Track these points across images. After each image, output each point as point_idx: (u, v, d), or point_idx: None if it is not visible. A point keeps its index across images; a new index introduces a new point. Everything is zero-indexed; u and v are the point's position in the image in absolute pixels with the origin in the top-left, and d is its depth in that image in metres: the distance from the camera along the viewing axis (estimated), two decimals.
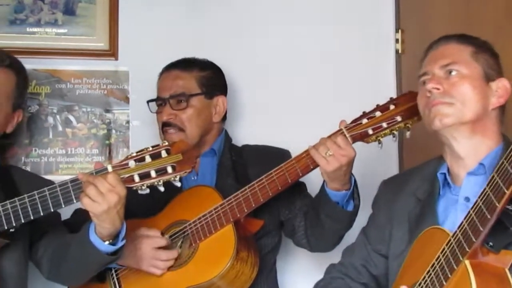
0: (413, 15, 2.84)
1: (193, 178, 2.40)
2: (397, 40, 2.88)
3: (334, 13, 2.89)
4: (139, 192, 1.92)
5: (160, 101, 2.44)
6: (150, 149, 1.93)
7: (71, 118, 2.78)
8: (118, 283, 2.23)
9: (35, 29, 2.77)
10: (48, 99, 2.76)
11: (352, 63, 2.86)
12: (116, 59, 2.79)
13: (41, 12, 2.77)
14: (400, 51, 2.87)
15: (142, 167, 1.91)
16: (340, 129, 2.10)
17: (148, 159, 1.91)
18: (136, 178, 1.91)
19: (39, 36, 2.77)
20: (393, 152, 2.81)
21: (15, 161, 2.70)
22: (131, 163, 1.91)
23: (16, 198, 1.94)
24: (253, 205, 2.15)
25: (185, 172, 1.91)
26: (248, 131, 2.77)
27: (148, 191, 1.92)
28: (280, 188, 2.14)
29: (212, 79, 2.46)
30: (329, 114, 2.72)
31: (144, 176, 1.91)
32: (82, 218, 2.32)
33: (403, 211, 1.94)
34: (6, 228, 1.95)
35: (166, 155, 1.91)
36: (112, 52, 2.78)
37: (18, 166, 2.63)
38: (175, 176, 1.91)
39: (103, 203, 1.87)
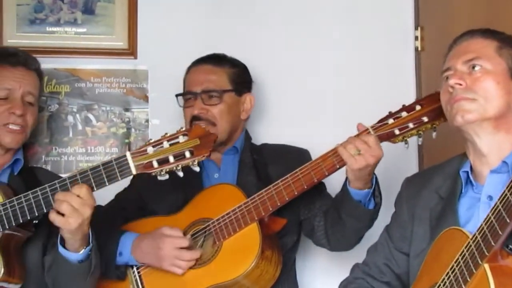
0: (433, 12, 2.82)
1: (215, 176, 2.40)
2: (416, 38, 2.87)
3: (354, 11, 2.88)
4: (159, 178, 1.95)
5: (189, 95, 2.43)
6: (168, 135, 1.96)
7: (91, 117, 2.79)
8: (140, 281, 2.23)
9: (54, 29, 2.78)
10: (68, 98, 2.77)
11: (372, 61, 2.85)
12: (135, 58, 2.80)
13: (61, 12, 2.78)
14: (419, 49, 2.86)
15: (161, 153, 1.93)
16: (367, 129, 2.09)
17: (166, 144, 1.94)
18: (155, 164, 1.93)
19: (59, 36, 2.78)
20: (413, 151, 2.80)
21: (35, 160, 2.72)
22: (150, 149, 1.94)
23: (38, 188, 1.97)
24: (278, 204, 2.15)
25: (203, 156, 1.93)
26: (266, 130, 2.77)
27: (167, 176, 1.95)
28: (306, 187, 2.14)
29: (241, 76, 2.47)
30: (348, 112, 2.77)
31: (163, 161, 1.93)
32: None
33: (425, 208, 1.93)
34: (29, 218, 1.98)
35: (183, 140, 1.94)
36: (131, 51, 2.79)
37: (39, 165, 2.66)
38: (193, 161, 1.93)
39: (78, 218, 1.92)
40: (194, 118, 2.37)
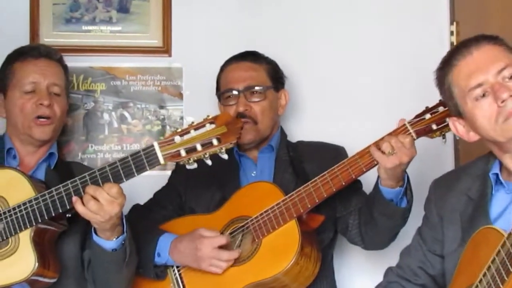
0: (468, 7, 2.79)
1: (253, 174, 2.40)
2: (452, 33, 2.83)
3: (390, 7, 2.86)
4: (187, 167, 1.95)
5: (229, 93, 2.41)
6: (195, 123, 1.96)
7: (126, 114, 2.81)
8: (181, 279, 2.25)
9: (90, 27, 2.81)
10: (104, 96, 2.80)
11: (408, 56, 2.83)
12: (170, 55, 2.81)
13: (96, 10, 2.81)
14: (455, 44, 2.82)
15: (188, 142, 1.93)
16: (404, 124, 2.09)
17: (193, 133, 1.94)
18: (183, 153, 1.93)
19: (94, 34, 2.81)
20: (449, 146, 2.78)
21: (72, 157, 2.75)
22: (177, 139, 1.94)
23: (68, 182, 2.00)
24: (316, 201, 2.15)
25: (231, 143, 1.93)
26: (299, 127, 2.76)
27: (195, 165, 1.95)
28: (343, 183, 2.14)
29: (277, 72, 2.48)
30: (383, 108, 2.76)
31: (190, 150, 1.93)
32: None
33: (454, 211, 1.92)
34: (60, 211, 2.00)
35: (210, 128, 1.93)
36: (165, 49, 2.81)
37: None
38: (221, 148, 1.93)
39: (105, 215, 1.95)
40: (239, 116, 2.34)
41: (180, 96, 2.82)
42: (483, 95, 1.78)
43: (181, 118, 2.81)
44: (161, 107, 2.82)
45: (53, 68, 2.30)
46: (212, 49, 2.80)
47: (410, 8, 2.86)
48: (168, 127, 2.81)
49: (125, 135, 2.80)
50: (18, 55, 2.30)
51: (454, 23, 2.84)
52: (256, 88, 2.38)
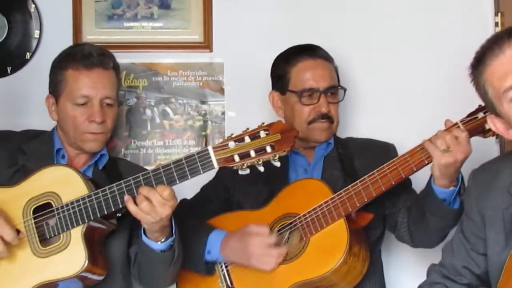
0: None
1: (304, 170, 2.39)
2: (496, 24, 2.78)
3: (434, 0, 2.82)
4: (240, 172, 1.98)
5: (310, 92, 2.34)
6: (249, 130, 1.97)
7: (168, 110, 2.82)
8: (228, 275, 2.26)
9: (132, 24, 2.82)
10: (146, 92, 2.81)
11: (452, 48, 2.77)
12: (211, 51, 2.81)
13: (138, 7, 2.81)
14: None
15: (242, 147, 1.96)
16: (456, 123, 2.05)
17: (247, 139, 1.96)
18: (236, 158, 1.96)
19: (136, 31, 2.82)
20: (493, 144, 2.74)
21: (115, 153, 2.76)
22: (231, 144, 1.97)
23: (122, 181, 2.03)
24: (365, 200, 2.14)
25: (284, 151, 1.94)
26: (350, 123, 2.74)
27: (248, 171, 1.97)
28: (393, 182, 2.12)
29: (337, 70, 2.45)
30: (433, 105, 2.72)
31: (244, 156, 1.96)
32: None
33: (496, 209, 1.87)
34: (113, 210, 2.03)
35: (265, 135, 1.95)
36: (206, 44, 2.81)
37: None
38: (274, 156, 1.95)
39: (156, 216, 1.98)
40: (323, 117, 2.32)
41: (222, 91, 2.82)
42: None
43: (223, 113, 2.82)
44: (203, 103, 2.82)
45: (106, 79, 2.27)
46: (253, 44, 2.79)
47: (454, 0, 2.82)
48: (209, 123, 2.82)
49: (167, 130, 2.82)
50: (71, 60, 2.26)
51: (499, 14, 2.79)
52: (336, 88, 2.37)
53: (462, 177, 2.11)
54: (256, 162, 1.95)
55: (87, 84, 2.24)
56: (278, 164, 1.97)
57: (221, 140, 2.04)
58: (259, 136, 1.96)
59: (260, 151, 1.95)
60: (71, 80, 2.25)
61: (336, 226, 2.13)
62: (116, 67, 2.34)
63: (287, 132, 1.96)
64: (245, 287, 2.22)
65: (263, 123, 1.98)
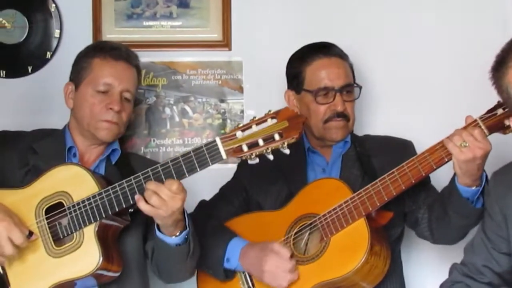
0: None
1: (322, 170, 2.38)
2: None
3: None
4: (249, 162, 1.96)
5: (326, 91, 2.33)
6: (256, 118, 1.96)
7: (187, 108, 2.83)
8: (250, 277, 2.26)
9: (151, 23, 2.83)
10: (165, 90, 2.82)
11: (470, 45, 2.76)
12: (230, 49, 2.81)
13: (157, 6, 2.82)
14: None
15: (250, 137, 1.94)
16: (475, 120, 2.05)
17: (255, 128, 1.94)
18: (245, 148, 1.94)
19: (155, 30, 2.82)
20: None
21: (135, 152, 2.77)
22: (239, 134, 1.95)
23: (131, 177, 2.03)
24: (385, 199, 2.13)
25: (293, 138, 1.92)
26: (367, 120, 2.73)
27: (257, 160, 1.96)
28: (413, 181, 2.11)
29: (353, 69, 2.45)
30: (448, 101, 2.70)
31: (252, 145, 1.94)
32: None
33: None
34: (124, 206, 2.04)
35: (272, 123, 1.93)
36: (225, 42, 2.81)
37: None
38: (283, 143, 1.93)
39: (167, 210, 1.97)
40: (339, 115, 2.31)
41: (241, 89, 2.83)
42: None
43: (242, 111, 2.82)
44: (222, 101, 2.83)
45: (130, 73, 2.31)
46: (272, 42, 2.79)
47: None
48: (228, 121, 2.82)
49: (186, 129, 2.82)
50: (99, 51, 2.30)
51: None
52: (352, 86, 2.36)
53: (487, 177, 2.10)
54: (264, 150, 1.93)
55: (112, 73, 2.27)
56: (287, 151, 1.93)
57: (228, 130, 2.02)
58: (267, 124, 1.94)
59: (268, 139, 1.93)
60: (96, 67, 2.28)
61: (357, 225, 2.13)
62: (138, 67, 2.37)
63: (294, 119, 1.93)
64: None
65: (270, 111, 1.96)
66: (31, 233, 2.02)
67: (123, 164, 2.32)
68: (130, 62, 2.32)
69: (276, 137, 1.92)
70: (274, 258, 2.15)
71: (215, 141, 1.97)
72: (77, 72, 2.32)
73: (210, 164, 1.98)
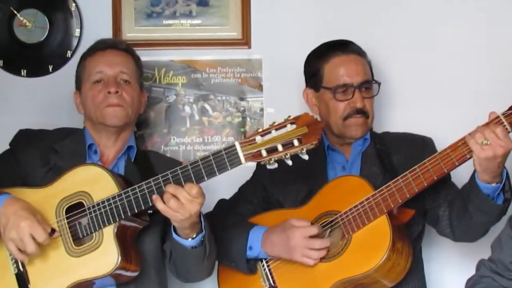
0: None
1: (343, 168, 2.37)
2: None
3: None
4: (268, 167, 1.97)
5: (345, 88, 2.32)
6: (276, 124, 1.96)
7: (207, 107, 2.83)
8: (270, 274, 2.26)
9: (170, 21, 2.83)
10: (185, 88, 2.83)
11: (491, 41, 2.74)
12: (249, 47, 2.81)
13: (176, 5, 2.83)
14: None
15: (269, 142, 1.95)
16: (498, 117, 2.03)
17: (274, 133, 1.95)
18: (264, 153, 1.95)
19: (175, 28, 2.83)
20: None
21: (155, 150, 2.77)
22: (258, 139, 1.96)
23: (151, 179, 2.04)
24: (407, 196, 2.12)
25: (312, 144, 1.92)
26: (386, 116, 2.72)
27: (276, 165, 1.96)
28: (435, 178, 2.10)
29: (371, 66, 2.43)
30: (474, 100, 2.67)
31: (271, 150, 1.95)
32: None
33: None
34: (143, 208, 2.05)
35: (291, 128, 1.94)
36: (245, 41, 2.81)
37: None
38: (302, 149, 1.93)
39: (185, 213, 1.99)
40: (358, 112, 2.31)
41: (260, 87, 2.83)
42: None
43: (261, 109, 2.82)
44: (241, 99, 2.83)
45: (120, 57, 2.36)
46: (291, 40, 2.78)
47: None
48: (248, 119, 2.82)
49: (206, 127, 2.83)
50: (88, 51, 2.40)
51: None
52: (370, 83, 2.35)
53: (507, 174, 2.08)
54: (283, 156, 1.94)
55: (102, 61, 2.33)
56: (306, 157, 1.94)
57: (248, 135, 2.02)
58: (286, 130, 1.94)
59: (287, 144, 1.93)
60: (88, 64, 2.36)
61: (379, 222, 2.12)
62: (129, 51, 2.40)
63: (314, 125, 1.94)
64: (288, 285, 2.22)
65: (289, 116, 1.97)
66: (53, 231, 2.04)
67: (142, 162, 2.34)
68: (118, 48, 2.38)
69: (295, 142, 1.93)
70: (297, 231, 2.15)
71: (234, 145, 1.98)
72: (77, 78, 2.40)
73: (229, 168, 2.00)
